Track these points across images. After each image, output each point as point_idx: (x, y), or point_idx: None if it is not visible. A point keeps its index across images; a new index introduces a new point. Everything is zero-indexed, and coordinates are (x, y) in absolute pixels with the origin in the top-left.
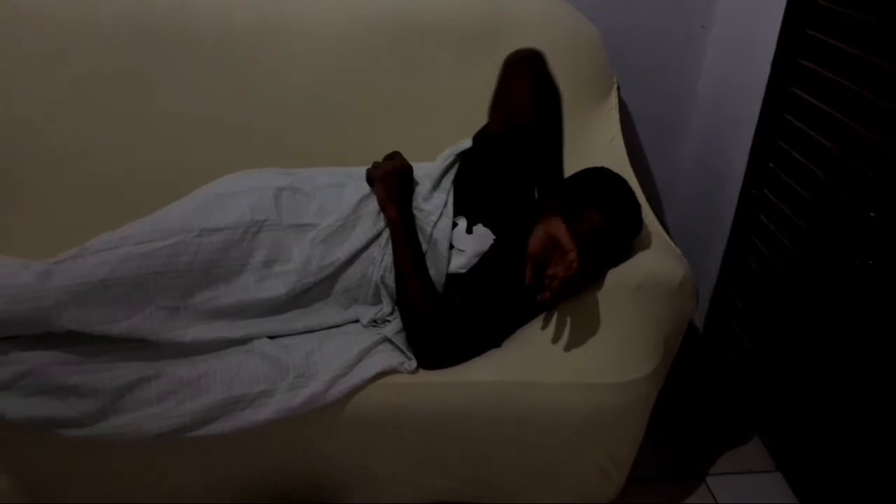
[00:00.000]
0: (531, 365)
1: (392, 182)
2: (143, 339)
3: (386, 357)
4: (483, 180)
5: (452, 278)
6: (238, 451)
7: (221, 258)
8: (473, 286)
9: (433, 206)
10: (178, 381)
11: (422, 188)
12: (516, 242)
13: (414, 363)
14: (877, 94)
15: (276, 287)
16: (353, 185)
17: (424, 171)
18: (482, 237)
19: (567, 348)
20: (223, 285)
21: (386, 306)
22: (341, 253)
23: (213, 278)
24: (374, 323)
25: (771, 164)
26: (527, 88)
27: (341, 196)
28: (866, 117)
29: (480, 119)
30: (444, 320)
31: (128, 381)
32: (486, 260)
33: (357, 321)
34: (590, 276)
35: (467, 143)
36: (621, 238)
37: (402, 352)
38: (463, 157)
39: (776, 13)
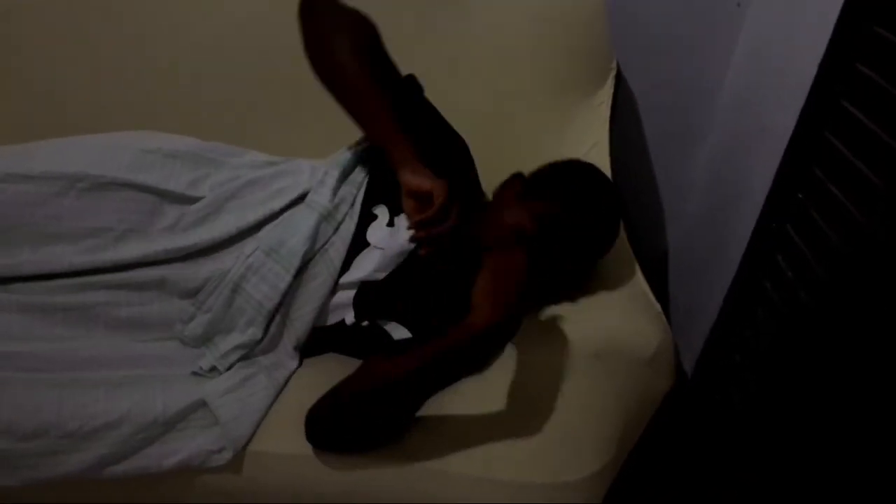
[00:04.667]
0: (436, 449)
1: None
2: None
3: (197, 444)
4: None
5: (366, 286)
6: None
7: (25, 213)
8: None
9: (339, 198)
10: None
11: (328, 177)
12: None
13: (230, 454)
14: None
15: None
16: (266, 174)
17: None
18: (405, 230)
19: (486, 432)
20: (28, 249)
21: (256, 329)
22: (204, 234)
23: (9, 239)
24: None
25: (800, 195)
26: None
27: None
28: None
29: (441, 91)
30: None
31: None
32: (414, 271)
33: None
34: (534, 285)
35: None
36: (584, 243)
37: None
38: None
39: None
